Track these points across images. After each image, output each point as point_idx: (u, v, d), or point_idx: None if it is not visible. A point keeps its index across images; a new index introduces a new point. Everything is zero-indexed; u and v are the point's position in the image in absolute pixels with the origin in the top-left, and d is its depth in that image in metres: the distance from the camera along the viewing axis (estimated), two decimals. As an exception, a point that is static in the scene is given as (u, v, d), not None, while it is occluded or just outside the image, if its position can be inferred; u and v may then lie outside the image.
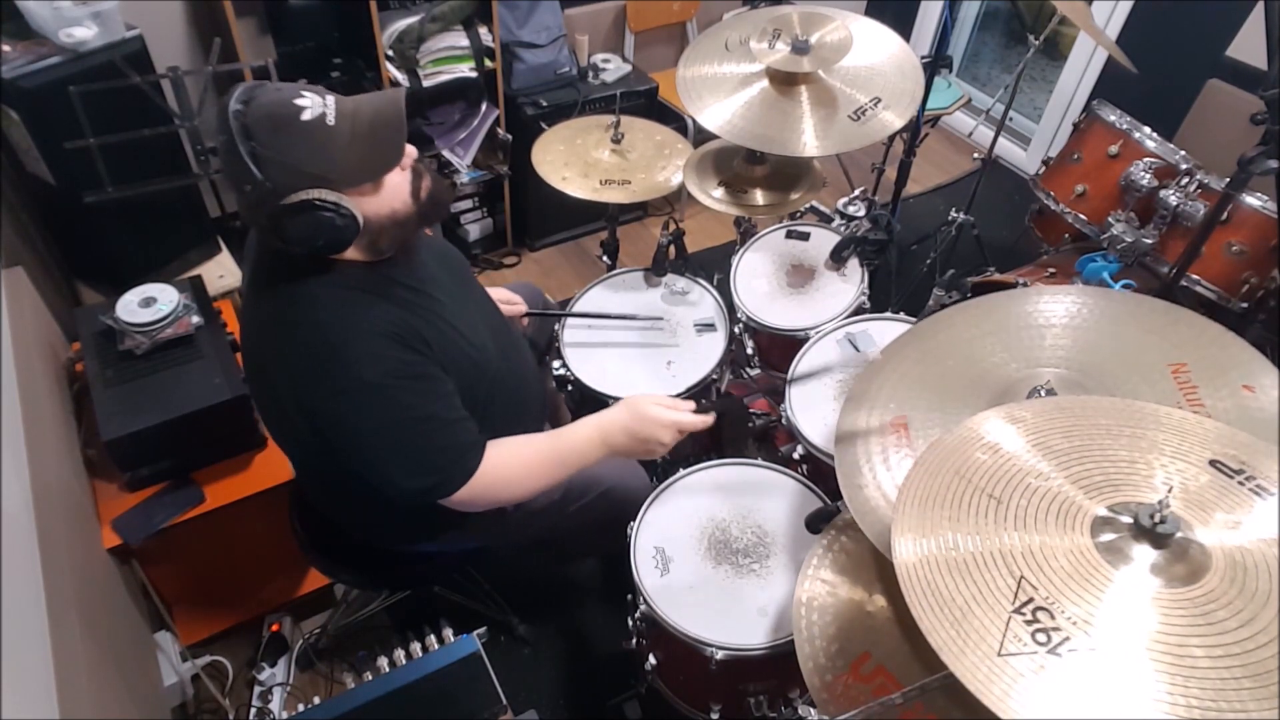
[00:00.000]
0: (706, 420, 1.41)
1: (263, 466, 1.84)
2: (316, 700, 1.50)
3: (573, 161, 2.07)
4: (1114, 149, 2.07)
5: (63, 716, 1.14)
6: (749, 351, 1.96)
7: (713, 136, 1.91)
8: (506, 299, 1.74)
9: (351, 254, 1.23)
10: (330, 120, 1.12)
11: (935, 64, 2.30)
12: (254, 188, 1.10)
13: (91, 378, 1.72)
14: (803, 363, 1.75)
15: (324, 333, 1.18)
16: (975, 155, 2.76)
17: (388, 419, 1.21)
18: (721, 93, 1.89)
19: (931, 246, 2.77)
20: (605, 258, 2.31)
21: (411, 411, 1.23)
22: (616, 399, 1.77)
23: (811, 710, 1.08)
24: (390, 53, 2.59)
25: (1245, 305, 1.97)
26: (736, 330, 1.93)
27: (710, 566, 1.47)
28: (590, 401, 1.83)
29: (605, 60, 3.15)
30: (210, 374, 1.74)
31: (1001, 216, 3.21)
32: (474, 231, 3.17)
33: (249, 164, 1.09)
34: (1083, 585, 0.74)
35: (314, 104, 1.12)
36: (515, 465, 1.35)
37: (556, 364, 1.87)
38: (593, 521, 1.63)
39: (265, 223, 1.14)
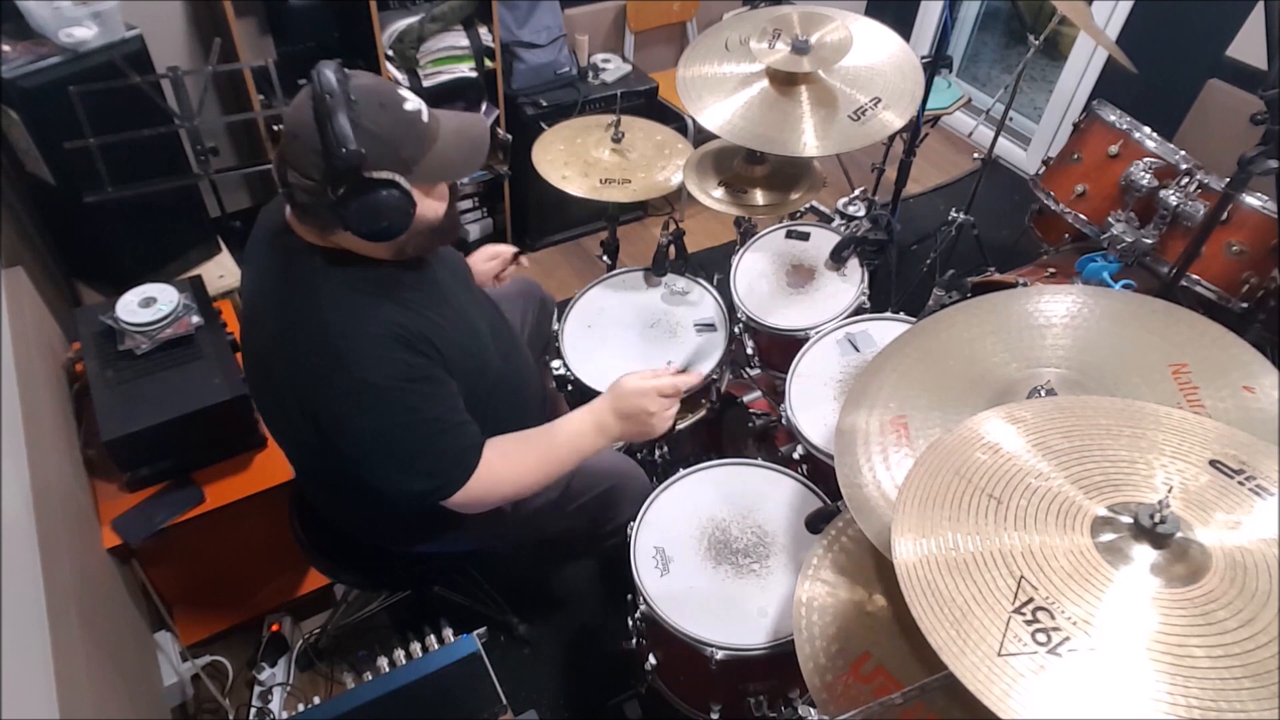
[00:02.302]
0: (689, 379, 1.41)
1: (263, 466, 1.84)
2: (316, 700, 1.50)
3: (572, 160, 2.07)
4: (1114, 149, 2.07)
5: (63, 716, 1.14)
6: (749, 351, 1.96)
7: (713, 136, 1.91)
8: (488, 254, 1.74)
9: (381, 251, 1.23)
10: (425, 118, 1.18)
11: (935, 64, 2.30)
12: (347, 154, 1.09)
13: (91, 378, 1.72)
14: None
15: (329, 334, 1.18)
16: (975, 155, 2.76)
17: (392, 421, 1.21)
18: (721, 93, 1.89)
19: (931, 246, 2.77)
20: (605, 258, 2.30)
21: (416, 414, 1.23)
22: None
23: (811, 710, 1.08)
24: (390, 53, 2.59)
25: (1245, 305, 1.97)
26: (736, 330, 1.93)
27: (710, 566, 1.47)
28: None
29: (605, 60, 3.15)
30: (210, 374, 1.74)
31: (1001, 216, 3.21)
32: (474, 231, 3.17)
33: (347, 130, 1.09)
34: (1083, 585, 0.74)
35: (413, 99, 1.18)
36: (511, 462, 1.35)
37: (556, 363, 1.87)
38: (592, 521, 1.63)
39: (334, 196, 1.13)
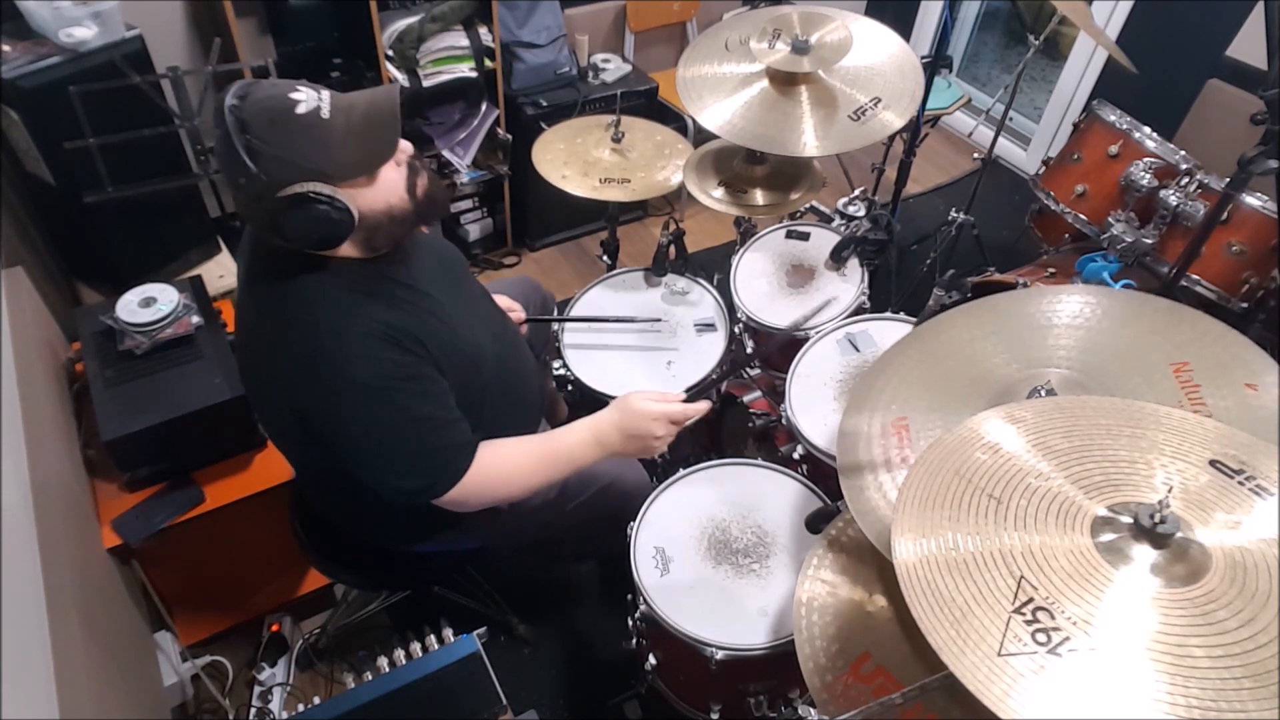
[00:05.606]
0: (699, 408, 1.39)
1: (263, 466, 1.84)
2: (316, 700, 1.50)
3: (572, 160, 2.07)
4: (1114, 149, 2.07)
5: (63, 716, 1.14)
6: (749, 351, 1.96)
7: (713, 136, 1.91)
8: (507, 306, 1.74)
9: (347, 250, 1.22)
10: (325, 114, 1.13)
11: (935, 64, 2.30)
12: (249, 181, 1.10)
13: (91, 378, 1.72)
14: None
15: (317, 334, 1.18)
16: (975, 155, 2.76)
17: (381, 420, 1.21)
18: (721, 93, 1.89)
19: (931, 246, 2.77)
20: (605, 258, 2.30)
21: (405, 413, 1.23)
22: (616, 399, 1.77)
23: (811, 710, 1.08)
24: (390, 53, 2.59)
25: (1245, 305, 1.97)
26: (736, 330, 1.93)
27: (710, 566, 1.47)
28: (590, 401, 1.83)
29: (605, 60, 3.15)
30: (210, 374, 1.74)
31: (1001, 216, 3.21)
32: (474, 231, 3.17)
33: (244, 158, 1.09)
34: (1083, 585, 0.74)
35: (308, 98, 1.12)
36: (507, 466, 1.35)
37: (556, 364, 1.87)
38: (591, 520, 1.63)
39: (263, 218, 1.14)
